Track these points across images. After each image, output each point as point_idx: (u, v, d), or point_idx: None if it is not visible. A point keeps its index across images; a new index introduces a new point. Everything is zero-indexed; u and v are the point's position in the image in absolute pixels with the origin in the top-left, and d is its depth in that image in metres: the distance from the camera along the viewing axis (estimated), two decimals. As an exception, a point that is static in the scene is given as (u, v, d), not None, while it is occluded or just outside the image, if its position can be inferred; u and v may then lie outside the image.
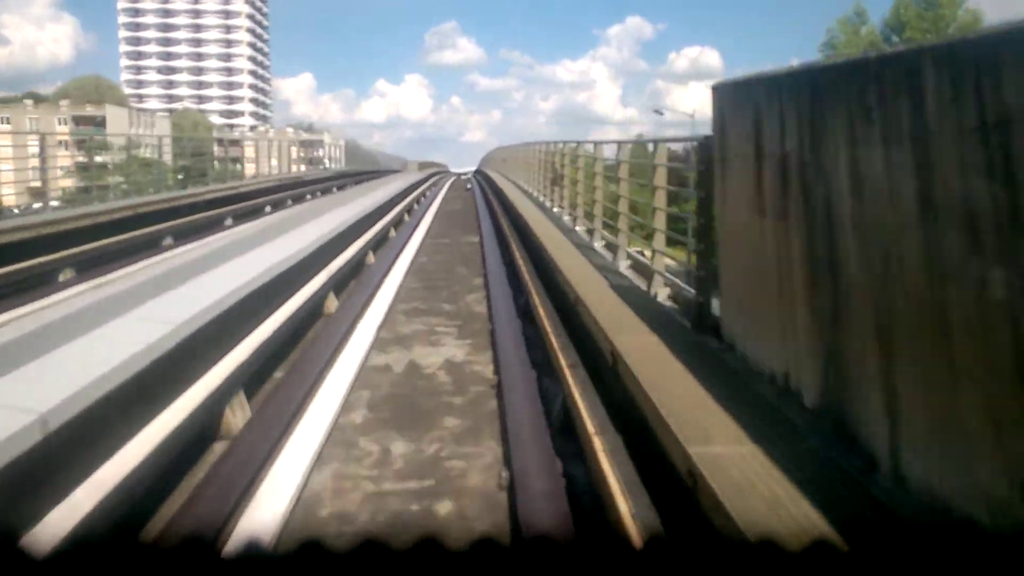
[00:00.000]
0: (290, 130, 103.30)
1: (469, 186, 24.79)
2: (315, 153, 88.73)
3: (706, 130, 3.56)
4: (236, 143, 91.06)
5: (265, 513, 2.71)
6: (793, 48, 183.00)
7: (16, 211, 12.75)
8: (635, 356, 3.06)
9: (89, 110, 69.17)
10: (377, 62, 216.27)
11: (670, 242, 4.96)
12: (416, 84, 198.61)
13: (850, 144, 2.04)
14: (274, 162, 31.01)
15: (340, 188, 21.12)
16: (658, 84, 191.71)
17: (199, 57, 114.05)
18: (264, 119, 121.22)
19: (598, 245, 6.92)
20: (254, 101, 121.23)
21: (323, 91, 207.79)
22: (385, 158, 59.15)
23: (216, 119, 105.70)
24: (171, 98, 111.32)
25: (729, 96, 3.19)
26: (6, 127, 56.40)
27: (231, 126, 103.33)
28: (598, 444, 2.68)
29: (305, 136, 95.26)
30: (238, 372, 3.79)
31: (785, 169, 2.51)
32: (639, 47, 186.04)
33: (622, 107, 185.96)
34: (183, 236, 10.02)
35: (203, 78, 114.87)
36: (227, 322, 4.03)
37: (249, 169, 33.69)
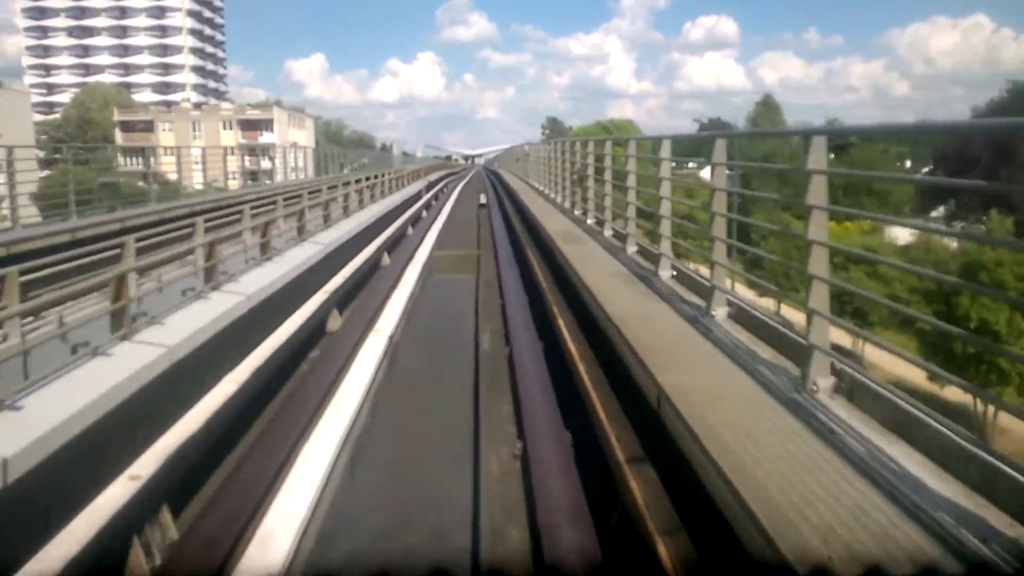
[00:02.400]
0: (226, 106, 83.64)
1: None
2: (260, 136, 72.26)
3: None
4: (143, 127, 66.38)
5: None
6: (811, 14, 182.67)
7: None
8: None
9: None
10: (389, 41, 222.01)
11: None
12: (429, 62, 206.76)
13: None
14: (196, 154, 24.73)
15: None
16: (673, 56, 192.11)
17: (123, 14, 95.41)
18: (219, 95, 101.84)
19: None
20: (200, 72, 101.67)
21: (335, 72, 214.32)
22: (375, 157, 47.42)
23: (147, 96, 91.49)
24: (88, 69, 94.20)
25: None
26: None
27: (167, 104, 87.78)
28: None
29: (253, 113, 78.79)
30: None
31: None
32: (653, 18, 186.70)
33: (636, 80, 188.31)
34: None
35: (129, 41, 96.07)
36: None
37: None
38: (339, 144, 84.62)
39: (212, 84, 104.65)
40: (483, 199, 22.03)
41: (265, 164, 43.63)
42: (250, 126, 75.87)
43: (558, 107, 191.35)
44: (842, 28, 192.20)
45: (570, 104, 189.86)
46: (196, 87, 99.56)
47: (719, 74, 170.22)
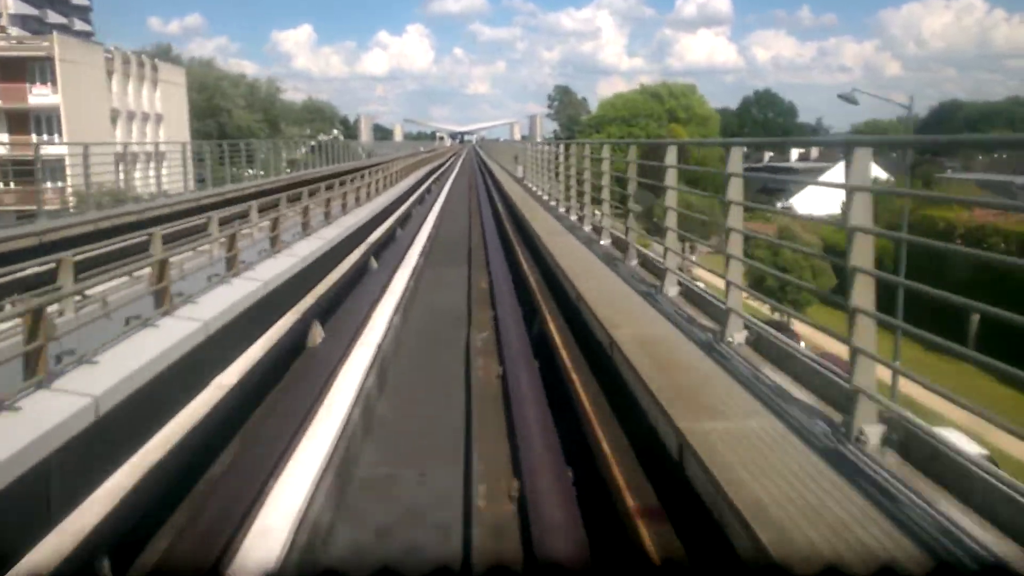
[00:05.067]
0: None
1: None
2: (30, 92, 37.82)
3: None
4: None
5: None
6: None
7: None
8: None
9: None
10: (378, 12, 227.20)
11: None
12: (418, 35, 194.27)
13: None
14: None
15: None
16: (666, 32, 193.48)
17: None
18: (66, 32, 55.25)
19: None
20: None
21: (323, 43, 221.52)
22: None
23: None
24: None
25: None
26: None
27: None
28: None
29: (25, 48, 39.90)
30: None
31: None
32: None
33: (628, 57, 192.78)
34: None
35: None
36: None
37: None
38: (269, 118, 52.35)
39: (54, 18, 63.25)
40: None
41: (57, 149, 26.58)
42: (8, 73, 39.53)
43: (549, 83, 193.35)
44: (835, 7, 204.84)
45: (561, 80, 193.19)
46: (23, 20, 59.62)
47: (711, 52, 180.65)
